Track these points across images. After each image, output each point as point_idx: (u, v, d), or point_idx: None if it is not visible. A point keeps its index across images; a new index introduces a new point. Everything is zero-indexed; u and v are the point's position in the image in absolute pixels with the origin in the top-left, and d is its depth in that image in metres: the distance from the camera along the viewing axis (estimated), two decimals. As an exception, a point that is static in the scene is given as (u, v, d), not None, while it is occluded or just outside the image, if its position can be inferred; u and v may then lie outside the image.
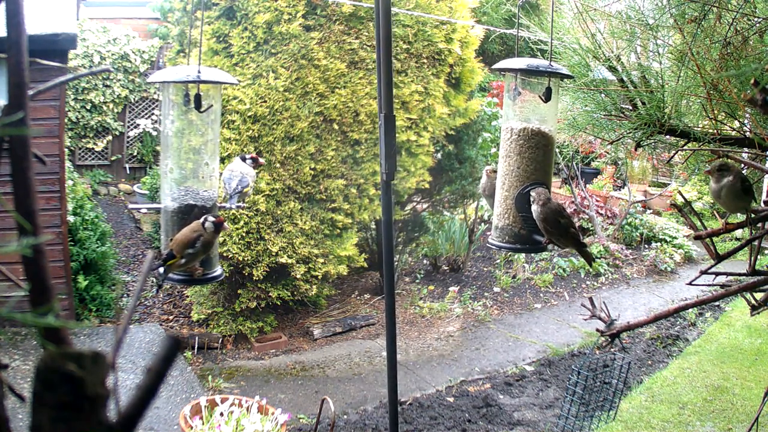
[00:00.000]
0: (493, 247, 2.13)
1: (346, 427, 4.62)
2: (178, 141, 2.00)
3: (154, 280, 2.21)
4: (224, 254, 5.31)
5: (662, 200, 10.58)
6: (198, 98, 1.88)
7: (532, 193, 1.96)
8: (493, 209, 2.15)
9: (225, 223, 1.90)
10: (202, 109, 1.90)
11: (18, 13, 0.53)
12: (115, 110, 10.15)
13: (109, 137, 10.26)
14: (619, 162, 10.43)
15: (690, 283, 1.69)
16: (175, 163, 1.99)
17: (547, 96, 1.94)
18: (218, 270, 2.09)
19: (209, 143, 2.01)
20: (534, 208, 1.95)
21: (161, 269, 1.91)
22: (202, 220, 1.88)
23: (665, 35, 1.75)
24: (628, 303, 7.28)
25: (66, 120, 9.47)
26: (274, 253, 5.46)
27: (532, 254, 7.91)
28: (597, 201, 9.53)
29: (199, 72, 1.85)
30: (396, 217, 6.45)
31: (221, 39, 5.34)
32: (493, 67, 2.08)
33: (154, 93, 10.30)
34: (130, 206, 2.32)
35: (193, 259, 1.88)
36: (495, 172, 2.20)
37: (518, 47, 2.13)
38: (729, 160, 1.64)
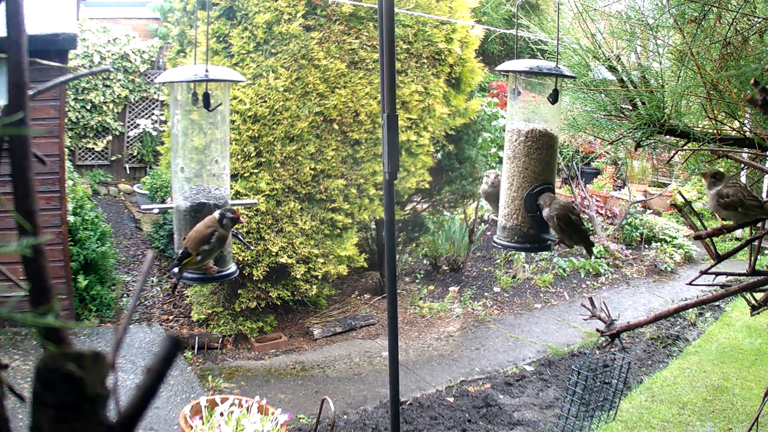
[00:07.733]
0: (500, 246, 2.15)
1: (346, 427, 4.62)
2: (188, 140, 2.01)
3: (170, 282, 2.21)
4: (224, 254, 5.31)
5: (662, 200, 10.58)
6: (206, 97, 1.88)
7: (541, 199, 2.02)
8: (499, 210, 2.17)
9: (241, 218, 1.89)
10: (211, 108, 1.90)
11: (18, 13, 0.53)
12: (115, 110, 10.15)
13: (109, 137, 10.26)
14: (619, 162, 10.42)
15: (690, 283, 1.69)
16: (186, 162, 2.00)
17: (554, 98, 1.95)
18: (232, 267, 2.08)
19: (219, 141, 2.03)
20: (545, 211, 2.00)
21: (176, 269, 1.90)
22: (217, 215, 1.86)
23: (665, 35, 1.75)
24: (628, 303, 7.27)
25: (66, 120, 9.47)
26: (274, 253, 5.46)
27: (533, 254, 7.93)
28: (597, 201, 9.53)
29: (207, 71, 1.86)
30: (396, 217, 6.44)
31: (221, 39, 5.34)
32: (497, 68, 2.08)
33: (154, 93, 10.31)
34: (143, 207, 2.32)
35: (208, 255, 1.87)
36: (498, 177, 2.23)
37: (517, 48, 2.13)
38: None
